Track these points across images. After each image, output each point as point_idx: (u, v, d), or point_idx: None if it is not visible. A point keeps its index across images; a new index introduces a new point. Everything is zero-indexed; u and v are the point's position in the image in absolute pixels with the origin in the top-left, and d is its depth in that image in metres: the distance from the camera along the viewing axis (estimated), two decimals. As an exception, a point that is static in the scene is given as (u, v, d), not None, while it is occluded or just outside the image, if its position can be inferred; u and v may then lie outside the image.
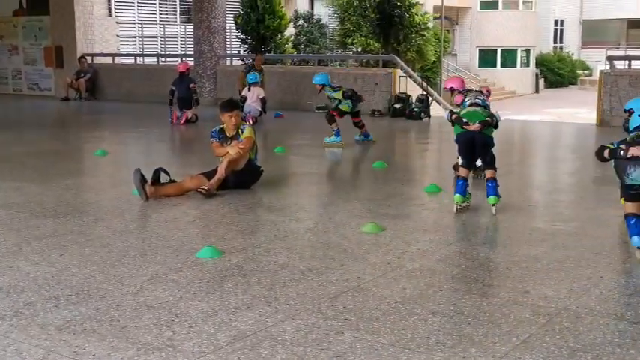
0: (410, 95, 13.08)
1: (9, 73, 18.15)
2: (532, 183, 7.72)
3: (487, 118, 5.66)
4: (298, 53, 19.28)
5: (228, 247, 4.59)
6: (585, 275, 4.13)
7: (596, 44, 33.35)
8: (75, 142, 10.71)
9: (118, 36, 18.38)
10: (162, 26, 19.71)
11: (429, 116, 12.79)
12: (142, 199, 5.83)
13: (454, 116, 5.82)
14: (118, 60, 17.47)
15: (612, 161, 4.28)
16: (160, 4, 19.43)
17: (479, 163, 6.73)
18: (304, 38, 20.58)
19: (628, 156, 4.09)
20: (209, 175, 6.15)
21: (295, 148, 9.64)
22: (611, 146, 4.23)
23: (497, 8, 29.50)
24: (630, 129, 4.47)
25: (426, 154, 10.34)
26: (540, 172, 8.75)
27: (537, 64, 31.22)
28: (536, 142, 11.86)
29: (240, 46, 18.70)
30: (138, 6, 18.96)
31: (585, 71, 32.44)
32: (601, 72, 12.45)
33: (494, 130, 5.80)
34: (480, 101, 6.02)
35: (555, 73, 31.50)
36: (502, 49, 29.41)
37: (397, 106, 12.82)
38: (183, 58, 15.76)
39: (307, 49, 20.09)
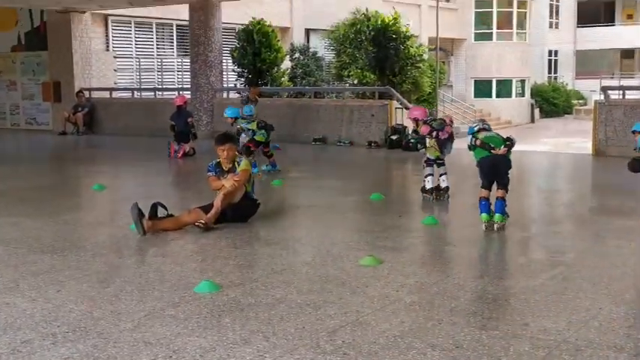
0: (406, 127, 13.20)
1: (7, 108, 18.28)
2: (529, 214, 7.74)
3: (507, 142, 6.13)
4: (295, 86, 19.41)
5: (225, 281, 4.58)
6: (584, 307, 4.13)
7: (591, 74, 33.75)
8: (72, 176, 10.76)
9: (115, 70, 18.49)
10: (159, 60, 19.87)
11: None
12: (139, 233, 5.81)
13: (478, 141, 6.18)
14: (115, 94, 17.61)
15: None
16: (157, 38, 19.65)
17: (443, 184, 7.66)
18: (300, 71, 20.66)
19: None
20: (206, 208, 6.13)
21: (292, 180, 9.70)
22: None
23: (492, 39, 29.91)
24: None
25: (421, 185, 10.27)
26: (537, 202, 8.78)
27: (532, 95, 31.70)
28: (532, 173, 11.89)
29: (237, 79, 18.84)
30: (135, 40, 19.18)
31: (580, 101, 32.94)
32: (596, 102, 12.54)
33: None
34: (487, 127, 6.47)
35: (550, 103, 31.99)
36: (497, 80, 29.79)
37: (393, 137, 12.97)
38: (181, 92, 15.84)
39: (304, 81, 20.18)
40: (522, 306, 4.14)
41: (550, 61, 35.34)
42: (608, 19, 36.99)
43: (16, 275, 4.79)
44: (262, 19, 18.30)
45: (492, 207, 6.04)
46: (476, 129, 6.32)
